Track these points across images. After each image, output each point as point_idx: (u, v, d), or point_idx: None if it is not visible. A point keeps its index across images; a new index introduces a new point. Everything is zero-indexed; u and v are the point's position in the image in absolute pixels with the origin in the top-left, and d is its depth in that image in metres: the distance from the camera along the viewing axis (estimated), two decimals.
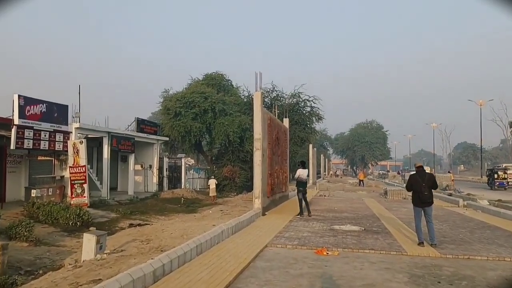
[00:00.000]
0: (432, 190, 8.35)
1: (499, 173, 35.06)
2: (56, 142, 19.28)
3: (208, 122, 33.01)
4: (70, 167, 19.14)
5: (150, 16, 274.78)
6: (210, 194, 25.25)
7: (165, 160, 30.32)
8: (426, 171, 8.87)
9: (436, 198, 24.14)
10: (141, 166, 27.95)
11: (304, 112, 38.22)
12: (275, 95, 37.20)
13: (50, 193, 18.71)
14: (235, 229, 9.56)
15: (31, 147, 17.95)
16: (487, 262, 7.18)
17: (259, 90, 13.04)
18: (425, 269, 6.61)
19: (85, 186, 18.79)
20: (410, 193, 9.02)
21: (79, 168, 18.98)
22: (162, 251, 9.05)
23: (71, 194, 18.96)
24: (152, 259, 5.95)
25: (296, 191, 13.90)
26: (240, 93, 39.39)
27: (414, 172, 8.62)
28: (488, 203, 18.10)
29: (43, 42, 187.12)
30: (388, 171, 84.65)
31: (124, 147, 24.43)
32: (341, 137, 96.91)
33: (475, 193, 26.16)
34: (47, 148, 18.91)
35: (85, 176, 18.92)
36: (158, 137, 29.35)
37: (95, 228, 14.94)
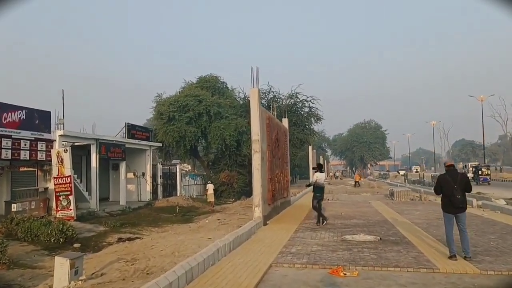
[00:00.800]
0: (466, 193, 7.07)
1: (483, 169, 40.31)
2: (38, 152, 17.90)
3: (203, 126, 31.87)
4: (54, 177, 17.78)
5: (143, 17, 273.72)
6: (208, 200, 24.45)
7: (159, 167, 28.93)
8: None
9: None
10: (134, 174, 26.60)
11: (302, 113, 37.00)
12: (272, 96, 35.99)
13: (33, 207, 17.31)
14: (233, 245, 8.24)
15: (9, 157, 16.56)
16: None
17: (256, 87, 11.73)
18: None
19: (71, 197, 17.43)
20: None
21: (64, 178, 17.63)
22: (148, 273, 7.78)
23: (56, 207, 17.60)
24: None
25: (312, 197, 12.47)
26: (235, 95, 38.28)
27: (443, 173, 7.32)
28: (506, 203, 16.83)
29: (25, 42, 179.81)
30: (388, 171, 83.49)
31: (114, 154, 23.05)
32: (339, 138, 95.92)
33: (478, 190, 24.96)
34: (28, 158, 17.51)
35: (71, 187, 17.58)
36: (151, 143, 28.00)
37: (79, 244, 13.87)
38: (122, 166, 24.44)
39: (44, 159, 18.24)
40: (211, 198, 24.30)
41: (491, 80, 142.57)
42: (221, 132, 30.90)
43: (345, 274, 6.29)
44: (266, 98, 35.10)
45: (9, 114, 16.61)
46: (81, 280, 7.47)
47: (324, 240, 9.24)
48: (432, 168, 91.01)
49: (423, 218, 13.08)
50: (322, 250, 8.06)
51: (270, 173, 13.30)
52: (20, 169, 18.95)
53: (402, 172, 64.56)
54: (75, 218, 17.25)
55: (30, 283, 9.13)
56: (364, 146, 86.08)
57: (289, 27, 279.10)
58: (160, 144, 30.41)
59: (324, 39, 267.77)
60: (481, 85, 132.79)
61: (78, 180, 20.66)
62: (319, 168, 12.78)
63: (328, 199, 22.26)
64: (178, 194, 29.14)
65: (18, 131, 17.06)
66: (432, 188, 32.90)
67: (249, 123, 14.77)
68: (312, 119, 37.45)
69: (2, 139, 16.21)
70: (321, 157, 63.67)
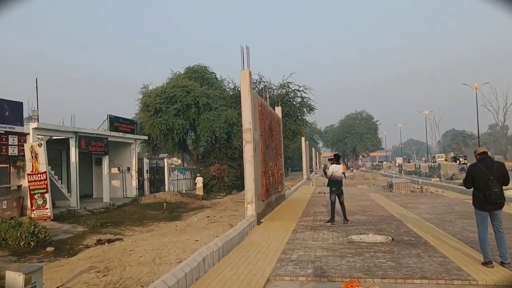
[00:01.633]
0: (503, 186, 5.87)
1: (460, 159, 46.08)
2: (10, 146, 16.40)
3: (192, 118, 30.52)
4: (28, 174, 16.34)
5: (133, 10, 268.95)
6: (197, 193, 23.79)
7: (145, 161, 27.45)
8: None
9: (447, 189, 22.01)
10: (118, 169, 25.11)
11: (294, 103, 35.74)
12: (262, 86, 34.59)
13: (4, 207, 15.87)
14: (223, 251, 6.98)
15: None
16: None
17: (247, 69, 10.38)
18: None
19: (47, 196, 16.05)
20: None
21: (39, 175, 16.19)
22: None
23: (31, 206, 16.21)
24: None
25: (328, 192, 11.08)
26: (225, 86, 36.87)
27: (475, 162, 6.08)
28: None
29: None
30: (381, 162, 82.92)
31: (95, 148, 21.56)
32: (330, 130, 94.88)
33: None
34: None
35: (47, 184, 16.17)
36: (136, 136, 26.51)
37: (53, 248, 12.48)
38: (105, 161, 22.94)
39: (17, 154, 16.75)
40: (199, 191, 23.63)
41: (482, 69, 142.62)
42: (211, 124, 29.56)
43: None
44: (257, 88, 33.72)
45: None
46: None
47: (328, 242, 8.01)
48: (423, 159, 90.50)
49: (432, 213, 11.95)
50: (328, 256, 6.83)
51: (263, 165, 12.04)
52: None
53: (399, 161, 63.75)
54: (52, 217, 15.92)
55: None
56: (356, 137, 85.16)
57: (280, 19, 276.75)
58: (146, 137, 29.00)
59: (313, 31, 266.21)
60: (471, 74, 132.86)
61: (56, 177, 19.20)
62: (336, 159, 11.14)
63: (324, 192, 21.11)
64: (166, 190, 27.78)
65: None
66: (432, 179, 31.79)
67: (239, 114, 13.45)
68: (305, 109, 36.25)
69: None
70: (313, 148, 62.64)
